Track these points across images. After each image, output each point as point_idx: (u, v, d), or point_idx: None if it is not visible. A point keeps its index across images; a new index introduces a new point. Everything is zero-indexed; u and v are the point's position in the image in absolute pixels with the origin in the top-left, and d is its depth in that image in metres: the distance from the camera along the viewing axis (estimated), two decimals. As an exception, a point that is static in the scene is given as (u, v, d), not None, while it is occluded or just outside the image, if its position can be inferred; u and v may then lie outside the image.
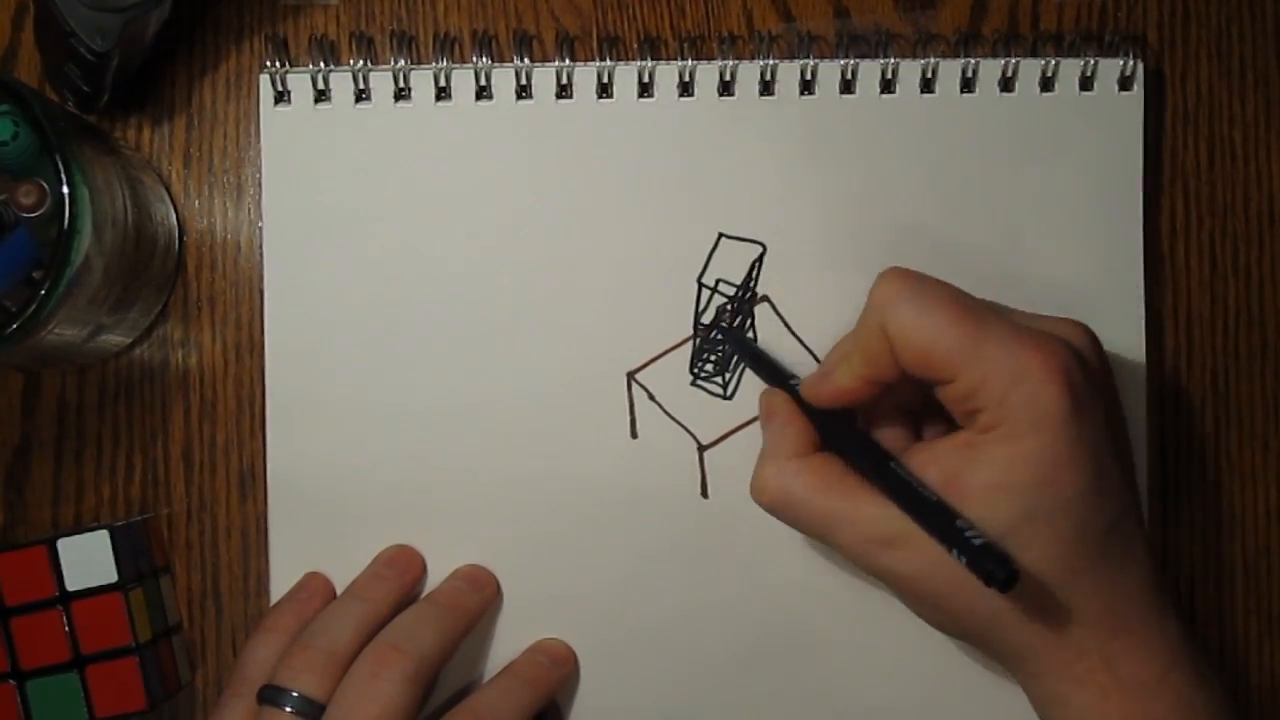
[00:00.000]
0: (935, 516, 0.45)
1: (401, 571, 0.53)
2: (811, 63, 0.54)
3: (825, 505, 0.48)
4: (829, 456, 0.49)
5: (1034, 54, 0.55)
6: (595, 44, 0.55)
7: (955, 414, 0.47)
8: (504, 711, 0.51)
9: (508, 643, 0.54)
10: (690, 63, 0.54)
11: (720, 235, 0.54)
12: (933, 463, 0.46)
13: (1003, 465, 0.45)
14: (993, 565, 0.43)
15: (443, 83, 0.53)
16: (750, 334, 0.54)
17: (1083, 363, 0.46)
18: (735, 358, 0.54)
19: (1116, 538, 0.46)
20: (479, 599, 0.53)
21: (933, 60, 0.54)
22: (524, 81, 0.53)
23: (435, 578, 0.54)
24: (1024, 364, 0.45)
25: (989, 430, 0.45)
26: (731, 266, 0.54)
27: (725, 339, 0.54)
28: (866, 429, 0.50)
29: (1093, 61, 0.54)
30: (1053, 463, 0.45)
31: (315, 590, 0.53)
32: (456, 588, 0.53)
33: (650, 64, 0.54)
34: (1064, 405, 0.45)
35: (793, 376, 0.52)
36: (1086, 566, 0.45)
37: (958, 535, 0.44)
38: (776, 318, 0.54)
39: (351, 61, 0.53)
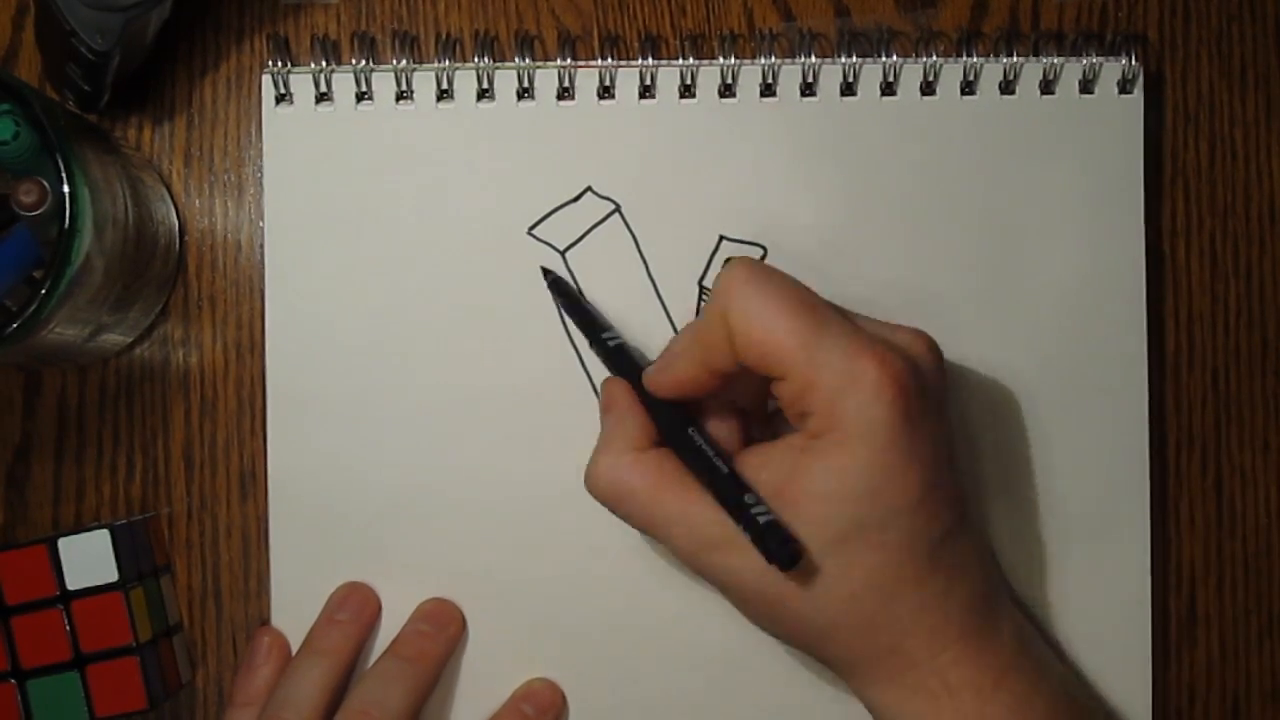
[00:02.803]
0: (731, 495, 0.45)
1: (356, 613, 0.53)
2: (813, 65, 0.54)
3: (657, 504, 0.47)
4: (665, 453, 0.48)
5: (1035, 53, 0.55)
6: (596, 43, 0.55)
7: (787, 413, 0.47)
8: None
9: (508, 640, 0.54)
10: (692, 63, 0.54)
11: (721, 238, 0.54)
12: (766, 466, 0.46)
13: (834, 473, 0.45)
14: (775, 544, 0.44)
15: (444, 84, 0.53)
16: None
17: (919, 374, 0.46)
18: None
19: (947, 551, 0.46)
20: (444, 640, 0.53)
21: (934, 62, 0.54)
22: (525, 83, 0.53)
23: (433, 576, 0.54)
24: (858, 370, 0.44)
25: (819, 436, 0.45)
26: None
27: (550, 287, 0.53)
28: (702, 426, 0.49)
29: (1093, 65, 0.54)
30: (884, 473, 0.44)
31: (271, 648, 0.53)
32: (420, 633, 0.53)
33: (651, 65, 0.53)
34: (895, 416, 0.44)
35: (606, 330, 0.52)
36: (914, 577, 0.45)
37: (743, 511, 0.44)
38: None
39: (354, 61, 0.53)
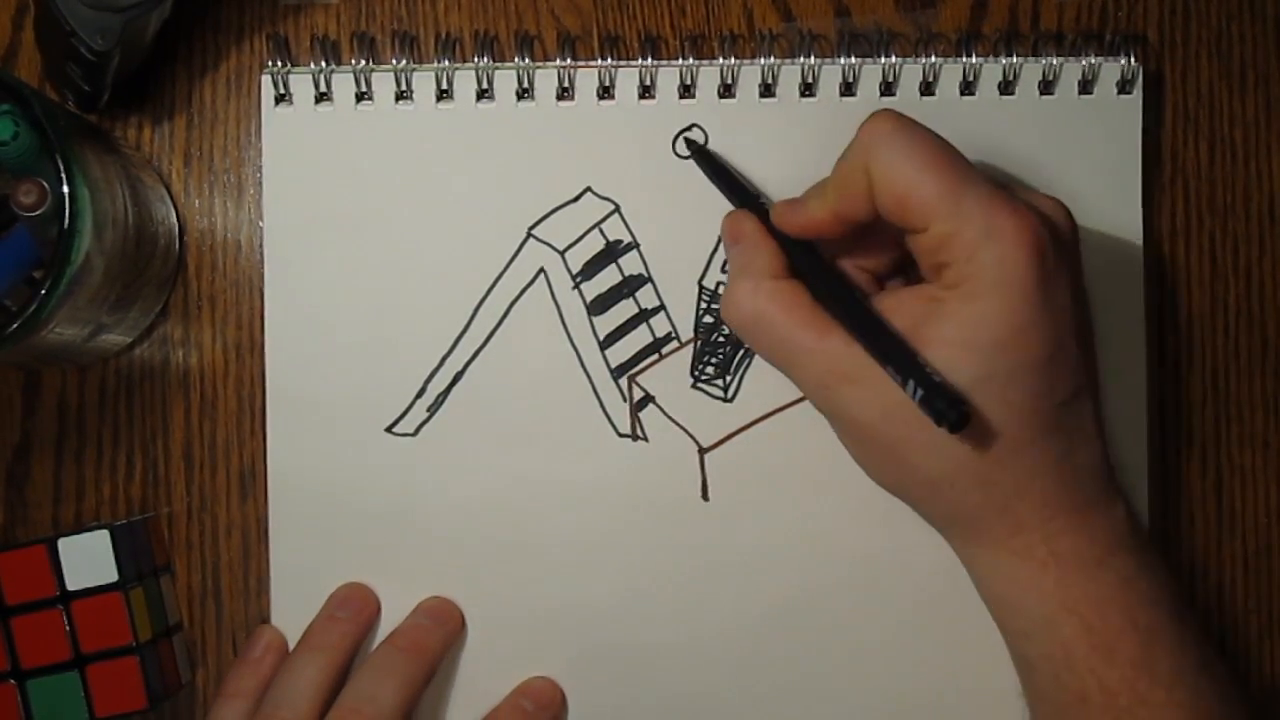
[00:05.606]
0: (896, 350, 0.45)
1: (356, 612, 0.53)
2: (812, 65, 0.54)
3: (793, 332, 0.47)
4: (800, 284, 0.48)
5: (1035, 53, 0.55)
6: (596, 44, 0.55)
7: (922, 265, 0.47)
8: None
9: (508, 640, 0.54)
10: (692, 63, 0.54)
11: (721, 238, 0.54)
12: (895, 310, 0.46)
13: (965, 323, 0.45)
14: (945, 404, 0.43)
15: (444, 84, 0.53)
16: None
17: (1056, 234, 0.46)
18: (736, 360, 0.54)
19: (1069, 415, 0.46)
20: (442, 635, 0.53)
21: (933, 62, 0.54)
22: (525, 83, 0.53)
23: (433, 576, 0.54)
24: (998, 224, 0.45)
25: (954, 286, 0.45)
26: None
27: (694, 157, 0.53)
28: (836, 261, 0.49)
29: (1092, 65, 0.54)
30: (1015, 327, 0.44)
31: (270, 645, 0.53)
32: (419, 626, 0.53)
33: (651, 65, 0.54)
34: (1031, 271, 0.44)
35: (761, 196, 0.52)
36: (1034, 438, 0.45)
37: (918, 370, 0.44)
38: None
39: (353, 61, 0.53)
